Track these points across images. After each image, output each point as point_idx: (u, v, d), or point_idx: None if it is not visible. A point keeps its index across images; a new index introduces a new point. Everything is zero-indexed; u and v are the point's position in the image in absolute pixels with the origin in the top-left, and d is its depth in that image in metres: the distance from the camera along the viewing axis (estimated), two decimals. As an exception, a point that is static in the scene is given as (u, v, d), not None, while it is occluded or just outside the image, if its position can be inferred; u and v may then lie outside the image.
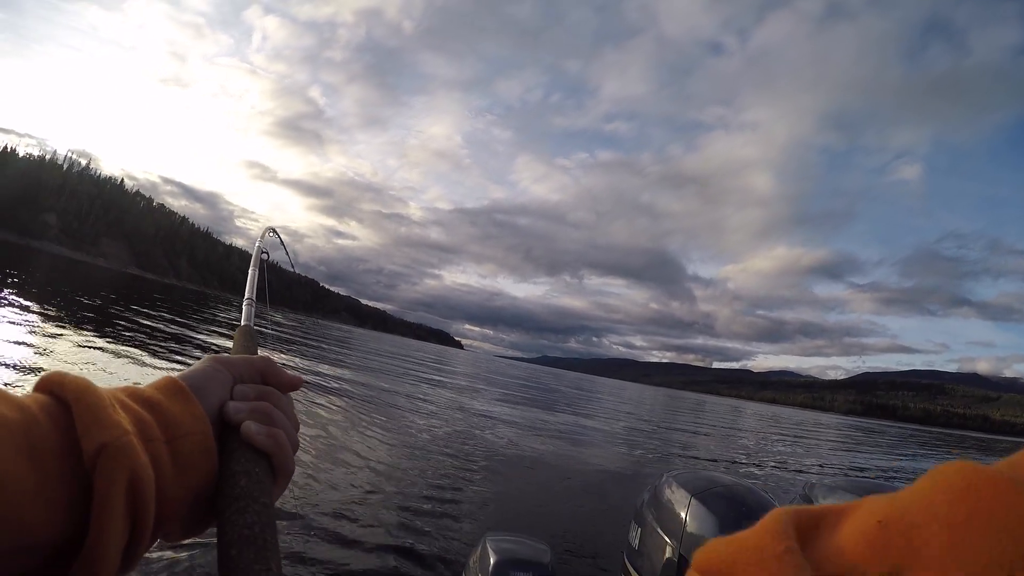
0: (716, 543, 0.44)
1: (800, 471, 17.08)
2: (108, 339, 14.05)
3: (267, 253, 1.58)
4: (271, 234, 1.72)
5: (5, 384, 7.81)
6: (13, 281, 25.21)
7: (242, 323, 1.03)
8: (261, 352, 0.86)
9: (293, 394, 0.71)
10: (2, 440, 0.51)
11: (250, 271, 1.32)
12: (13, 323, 12.94)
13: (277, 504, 0.62)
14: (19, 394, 0.51)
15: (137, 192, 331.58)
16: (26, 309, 16.22)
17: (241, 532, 0.53)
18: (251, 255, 1.45)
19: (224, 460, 0.58)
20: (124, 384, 0.57)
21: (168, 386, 0.58)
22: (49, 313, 16.48)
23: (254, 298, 1.20)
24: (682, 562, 2.18)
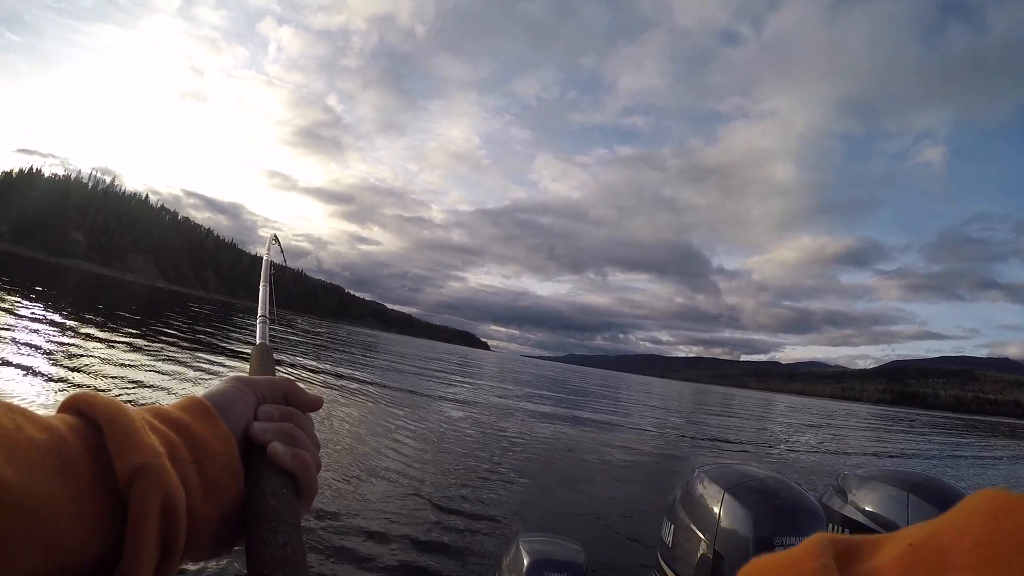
0: (757, 561, 0.44)
1: (832, 462, 16.88)
2: (142, 351, 14.30)
3: (274, 266, 1.52)
4: (275, 243, 1.70)
5: (45, 397, 7.96)
6: (46, 297, 25.63)
7: (257, 341, 1.02)
8: (277, 367, 0.88)
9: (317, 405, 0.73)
10: (34, 462, 0.51)
11: (261, 287, 1.29)
12: (48, 338, 13.20)
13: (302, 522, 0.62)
14: (46, 415, 0.51)
15: (162, 207, 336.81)
16: (59, 324, 16.54)
17: (273, 553, 0.53)
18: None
19: (251, 480, 0.58)
20: (150, 404, 0.58)
21: (194, 406, 0.59)
22: (82, 328, 16.75)
23: (267, 315, 1.17)
24: (717, 558, 2.15)
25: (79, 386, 9.14)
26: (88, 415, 0.52)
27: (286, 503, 0.58)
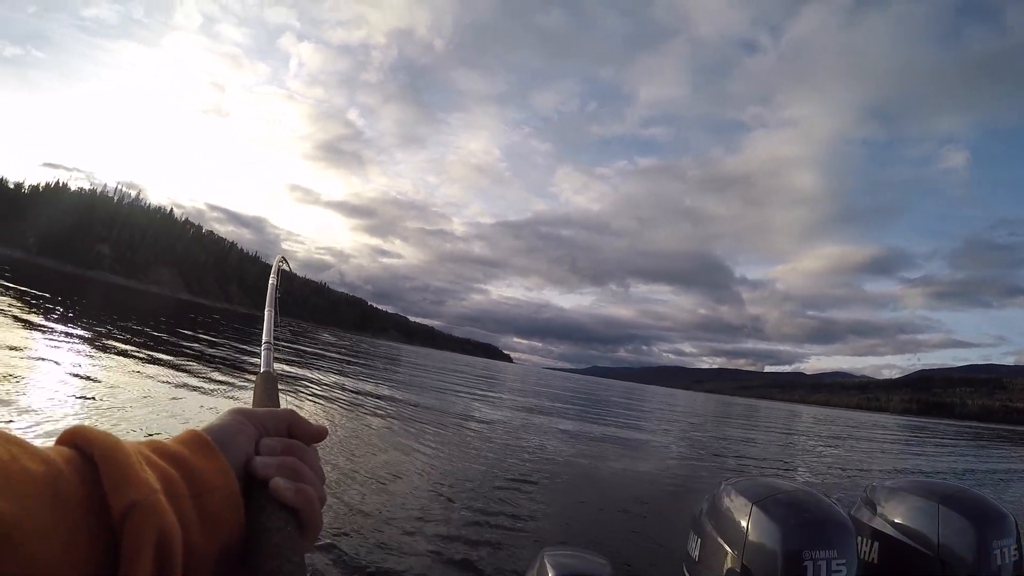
0: None
1: (860, 474, 16.66)
2: (167, 363, 14.51)
3: (280, 291, 1.50)
4: (283, 264, 1.68)
5: (79, 409, 8.07)
6: (74, 308, 26.03)
7: (261, 369, 0.99)
8: (282, 394, 0.88)
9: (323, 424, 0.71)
10: (29, 494, 0.51)
11: (266, 312, 1.27)
12: (75, 348, 13.40)
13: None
14: (43, 447, 0.51)
15: (186, 220, 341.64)
16: (85, 335, 16.79)
17: None
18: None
19: (253, 516, 0.57)
20: (149, 439, 0.57)
21: (193, 440, 0.57)
22: (109, 339, 17.00)
23: (272, 341, 1.13)
24: (745, 572, 2.13)
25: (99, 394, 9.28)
26: (84, 449, 0.51)
27: (289, 539, 0.56)
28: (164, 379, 12.18)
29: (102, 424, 7.82)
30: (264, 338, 1.13)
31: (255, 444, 0.63)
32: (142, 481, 0.51)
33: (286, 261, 1.71)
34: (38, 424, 7.02)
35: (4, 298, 23.45)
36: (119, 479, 0.51)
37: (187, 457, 0.55)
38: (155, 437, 0.58)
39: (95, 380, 10.43)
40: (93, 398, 9.01)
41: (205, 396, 11.25)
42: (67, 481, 0.51)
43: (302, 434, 0.69)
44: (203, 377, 13.61)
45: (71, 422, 7.38)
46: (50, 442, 0.52)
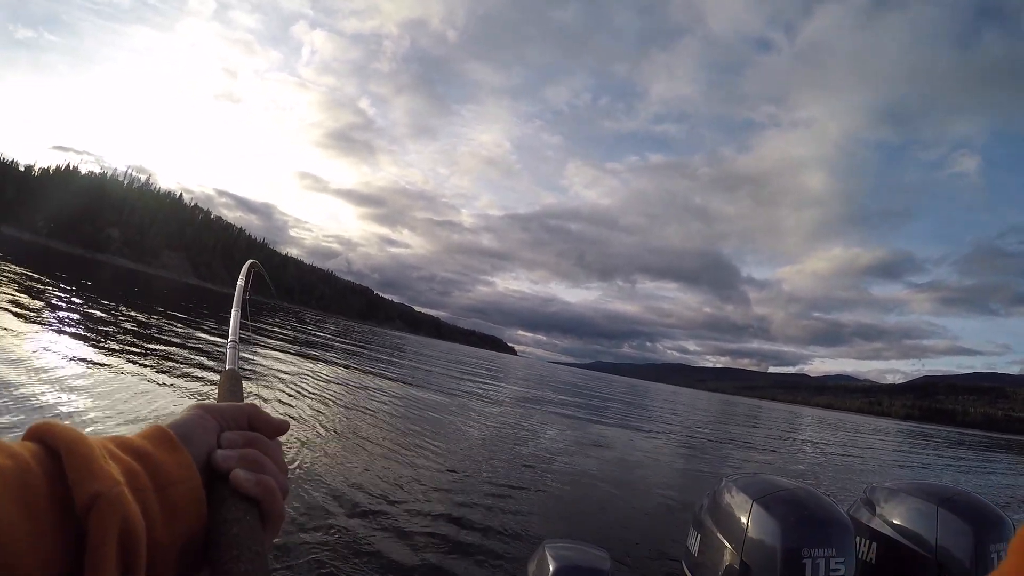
0: None
1: (860, 474, 16.66)
2: (175, 343, 14.62)
3: (249, 294, 1.51)
4: (256, 268, 1.70)
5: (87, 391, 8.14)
6: (86, 290, 26.13)
7: (226, 367, 1.00)
8: (248, 392, 0.90)
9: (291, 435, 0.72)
10: None
11: (233, 312, 1.30)
12: (85, 329, 13.55)
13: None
14: (10, 442, 0.53)
15: (195, 205, 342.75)
16: (96, 314, 16.93)
17: None
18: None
19: (214, 508, 0.58)
20: (113, 435, 0.57)
21: (156, 435, 0.58)
22: (114, 324, 17.09)
23: (237, 340, 1.16)
24: (744, 569, 2.15)
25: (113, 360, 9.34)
26: (49, 443, 0.53)
27: (250, 530, 0.57)
28: (154, 365, 12.25)
29: (94, 409, 7.91)
30: (230, 337, 1.15)
31: (216, 437, 0.63)
32: (106, 474, 0.52)
33: (260, 266, 1.74)
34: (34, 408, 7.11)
35: (13, 281, 23.59)
36: (83, 472, 0.52)
37: (150, 451, 0.55)
38: (151, 422, 0.58)
39: (93, 364, 10.50)
40: (88, 386, 9.10)
41: (191, 381, 11.31)
42: (34, 475, 0.52)
43: (264, 427, 0.69)
44: (189, 362, 13.67)
45: (63, 407, 7.45)
46: (18, 436, 0.53)
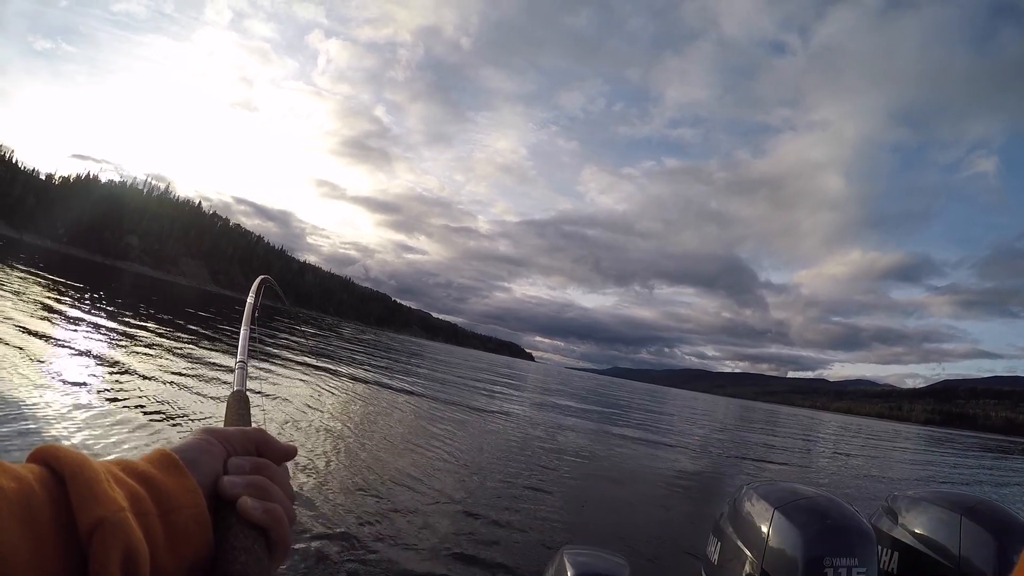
0: None
1: (882, 482, 16.48)
2: (198, 348, 14.69)
3: (258, 312, 1.44)
4: (269, 285, 1.64)
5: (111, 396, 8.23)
6: (108, 296, 26.42)
7: (234, 388, 0.97)
8: (260, 406, 0.87)
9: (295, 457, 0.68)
10: (1, 510, 0.52)
11: (242, 330, 1.25)
12: (105, 333, 13.67)
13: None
14: (15, 464, 0.52)
15: (213, 213, 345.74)
16: (118, 320, 17.12)
17: None
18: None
19: (221, 535, 0.57)
20: (117, 457, 0.57)
21: (161, 459, 0.57)
22: (140, 324, 17.26)
23: (246, 360, 1.11)
24: (764, 577, 2.14)
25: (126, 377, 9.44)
26: (53, 466, 0.52)
27: (257, 560, 0.56)
28: (166, 380, 12.35)
29: (99, 427, 7.97)
30: (238, 357, 1.11)
31: (223, 463, 0.63)
32: (109, 499, 0.52)
33: (272, 282, 1.68)
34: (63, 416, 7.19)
35: (35, 287, 23.89)
36: (87, 496, 0.52)
37: (155, 476, 0.55)
38: (159, 445, 0.59)
39: (105, 379, 10.61)
40: (107, 390, 9.19)
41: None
42: (38, 498, 0.52)
43: (271, 453, 0.68)
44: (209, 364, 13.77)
45: (69, 425, 7.49)
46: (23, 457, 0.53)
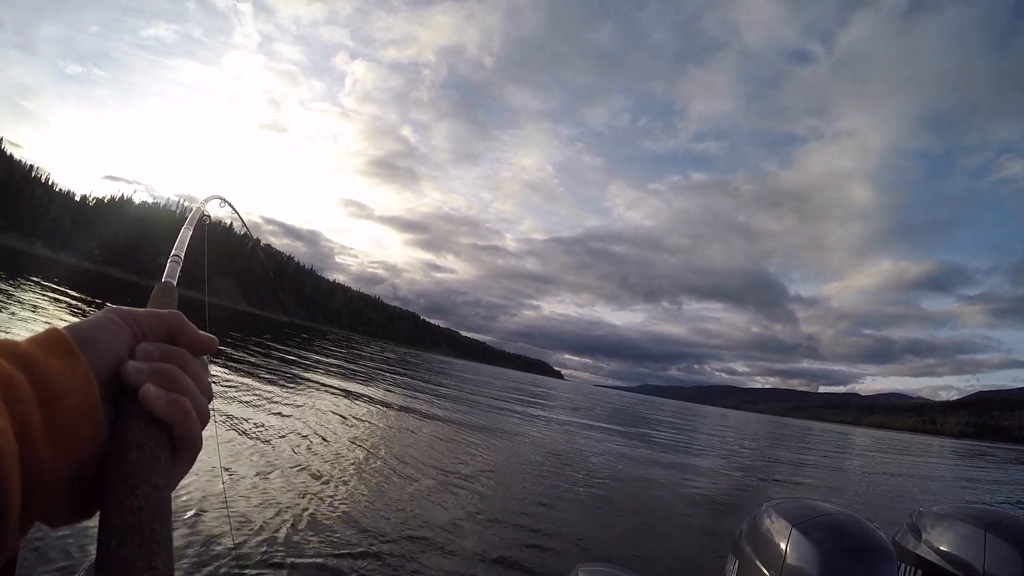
0: None
1: (908, 497, 16.15)
2: (238, 365, 14.88)
3: (208, 216, 1.39)
4: (222, 204, 1.60)
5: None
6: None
7: (163, 279, 0.86)
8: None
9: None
10: None
11: (183, 229, 1.21)
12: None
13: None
14: None
15: (245, 233, 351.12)
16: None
17: (125, 518, 0.46)
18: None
19: (116, 430, 0.49)
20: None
21: (49, 339, 0.48)
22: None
23: (182, 255, 1.04)
24: (783, 595, 2.10)
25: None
26: None
27: (152, 458, 0.48)
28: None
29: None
30: (173, 251, 1.04)
31: (129, 348, 0.50)
32: None
33: (228, 201, 1.67)
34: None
35: (63, 304, 24.41)
36: None
37: (36, 357, 0.48)
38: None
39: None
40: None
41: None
42: None
43: (187, 341, 0.54)
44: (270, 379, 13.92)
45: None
46: None
